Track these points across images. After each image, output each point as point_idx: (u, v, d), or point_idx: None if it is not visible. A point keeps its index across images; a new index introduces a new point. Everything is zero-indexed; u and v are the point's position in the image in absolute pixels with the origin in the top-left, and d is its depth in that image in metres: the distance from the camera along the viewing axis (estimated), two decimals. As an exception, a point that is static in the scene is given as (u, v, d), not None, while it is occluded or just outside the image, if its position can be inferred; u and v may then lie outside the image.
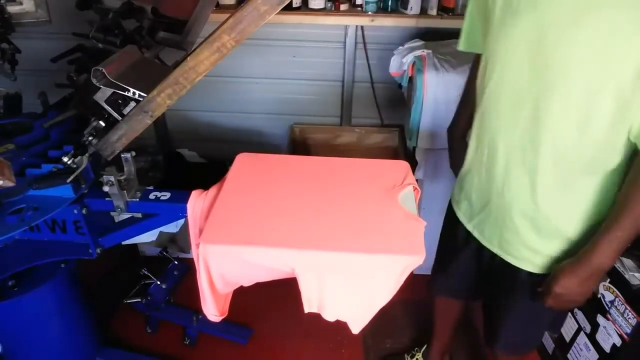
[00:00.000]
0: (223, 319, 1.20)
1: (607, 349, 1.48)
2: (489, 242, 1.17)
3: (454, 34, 1.27)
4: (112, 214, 1.29)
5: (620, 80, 0.81)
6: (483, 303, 1.36)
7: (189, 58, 1.00)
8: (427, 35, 2.01)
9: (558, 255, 1.05)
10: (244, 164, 1.29)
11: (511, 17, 0.92)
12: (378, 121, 2.35)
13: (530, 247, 1.08)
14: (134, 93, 1.06)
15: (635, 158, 0.89)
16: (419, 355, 1.81)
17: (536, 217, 1.03)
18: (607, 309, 1.47)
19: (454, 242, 1.30)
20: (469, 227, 1.22)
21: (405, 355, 1.84)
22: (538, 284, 1.07)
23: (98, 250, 1.27)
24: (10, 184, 0.95)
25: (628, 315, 1.39)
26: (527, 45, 0.90)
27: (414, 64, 1.75)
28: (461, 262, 1.32)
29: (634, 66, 0.79)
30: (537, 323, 1.24)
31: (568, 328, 1.69)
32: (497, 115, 1.02)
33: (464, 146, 1.21)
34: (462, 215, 1.25)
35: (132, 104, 1.08)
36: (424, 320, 1.82)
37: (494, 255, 1.16)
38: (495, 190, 1.09)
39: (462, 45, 1.19)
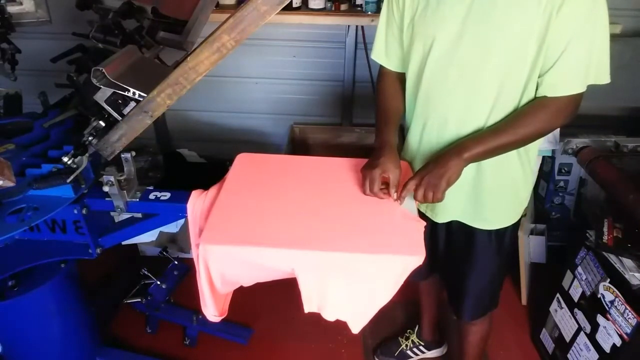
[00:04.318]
0: (223, 319, 1.20)
1: (607, 349, 1.49)
2: (442, 217, 1.28)
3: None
4: (112, 214, 1.29)
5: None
6: (445, 273, 1.48)
7: (189, 58, 1.00)
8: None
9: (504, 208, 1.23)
10: (244, 164, 1.29)
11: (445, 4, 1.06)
12: (378, 121, 2.35)
13: (485, 208, 1.21)
14: (134, 93, 1.06)
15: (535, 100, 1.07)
16: (413, 336, 1.88)
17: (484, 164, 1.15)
18: (607, 309, 1.47)
19: None
20: (421, 208, 1.31)
21: (400, 339, 1.89)
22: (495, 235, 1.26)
23: (98, 250, 1.27)
24: (10, 184, 0.95)
25: (628, 315, 1.39)
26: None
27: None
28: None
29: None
30: (494, 270, 1.34)
31: (568, 328, 1.69)
32: (444, 83, 1.12)
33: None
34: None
35: (132, 104, 1.08)
36: (412, 304, 1.90)
37: (449, 224, 1.30)
38: None
39: (382, 60, 1.27)
